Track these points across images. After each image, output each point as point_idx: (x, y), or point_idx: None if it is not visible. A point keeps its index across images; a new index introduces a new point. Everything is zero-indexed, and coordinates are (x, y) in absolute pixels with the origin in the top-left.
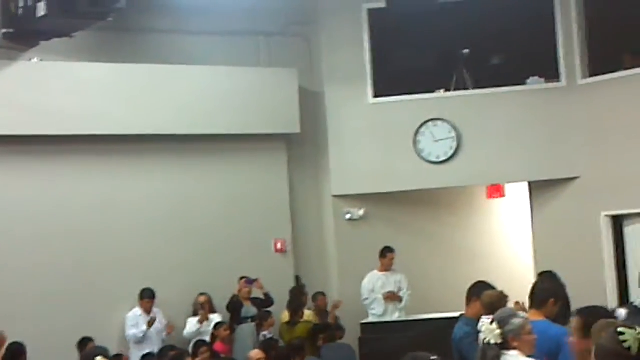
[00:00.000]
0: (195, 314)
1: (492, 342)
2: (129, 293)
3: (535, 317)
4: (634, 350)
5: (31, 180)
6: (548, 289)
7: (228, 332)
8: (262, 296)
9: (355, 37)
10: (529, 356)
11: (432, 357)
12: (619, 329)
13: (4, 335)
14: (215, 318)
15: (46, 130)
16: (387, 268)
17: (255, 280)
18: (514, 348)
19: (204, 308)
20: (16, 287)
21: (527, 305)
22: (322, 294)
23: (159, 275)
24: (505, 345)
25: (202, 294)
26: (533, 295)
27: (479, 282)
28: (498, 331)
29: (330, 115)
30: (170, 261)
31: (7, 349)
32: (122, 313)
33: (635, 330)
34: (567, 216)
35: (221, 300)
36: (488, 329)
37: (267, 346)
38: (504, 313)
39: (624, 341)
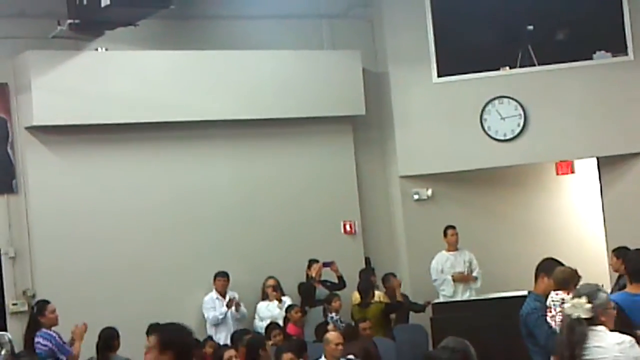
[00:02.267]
0: (264, 298)
1: (583, 316)
2: (202, 278)
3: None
4: None
5: (99, 169)
6: None
7: (300, 314)
8: (335, 279)
9: (417, 16)
10: (611, 330)
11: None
12: None
13: (83, 326)
14: (287, 300)
15: (114, 119)
16: (452, 246)
17: (332, 263)
18: (601, 323)
19: (275, 290)
20: (94, 275)
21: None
22: (393, 274)
23: (231, 259)
24: (593, 320)
25: (270, 277)
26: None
27: (548, 258)
28: (589, 305)
29: (395, 96)
30: (240, 246)
31: (100, 336)
32: (197, 298)
33: None
34: (638, 191)
35: (292, 283)
36: (577, 304)
37: (347, 332)
38: (591, 288)
39: None
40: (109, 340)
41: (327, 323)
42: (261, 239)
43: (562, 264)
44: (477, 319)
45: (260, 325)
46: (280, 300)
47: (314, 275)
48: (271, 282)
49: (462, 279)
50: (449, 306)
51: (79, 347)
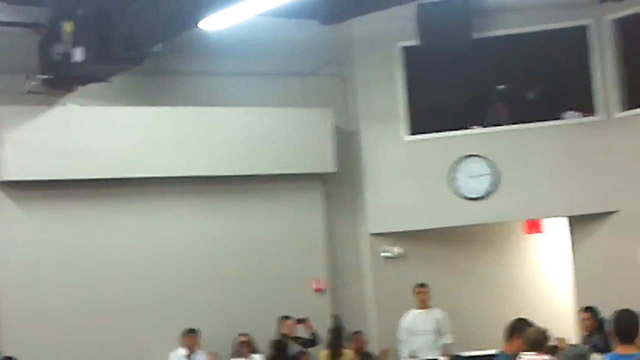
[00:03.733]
0: (234, 355)
1: None
2: (169, 336)
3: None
4: None
5: (69, 224)
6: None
7: None
8: (307, 335)
9: (389, 75)
10: None
11: None
12: None
13: None
14: (257, 358)
15: (84, 174)
16: (423, 304)
17: (305, 320)
18: None
19: (243, 347)
20: (60, 330)
21: (568, 340)
22: (360, 332)
23: (199, 317)
24: None
25: (241, 334)
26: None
27: (520, 319)
28: None
29: (365, 154)
30: (209, 303)
31: None
32: (164, 354)
33: None
34: (607, 250)
35: (261, 340)
36: None
37: None
38: (581, 350)
39: None
40: None
41: None
42: (231, 296)
43: (531, 324)
44: None
45: None
46: (248, 357)
47: (286, 331)
48: (243, 338)
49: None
50: None
51: None
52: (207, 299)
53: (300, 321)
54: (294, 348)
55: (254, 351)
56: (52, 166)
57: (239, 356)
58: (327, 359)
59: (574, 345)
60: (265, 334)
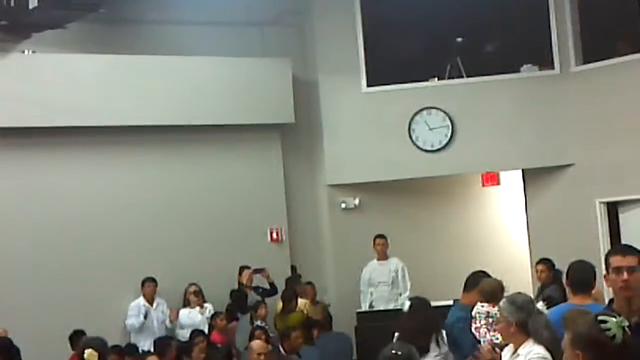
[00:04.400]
0: (185, 305)
1: None
2: (126, 284)
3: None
4: (619, 338)
5: (25, 172)
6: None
7: (224, 322)
8: (265, 286)
9: (348, 26)
10: None
11: (394, 351)
12: (600, 317)
13: (1, 331)
14: (209, 307)
15: (40, 122)
16: (380, 255)
17: (262, 270)
18: None
19: (197, 296)
20: (18, 280)
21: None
22: (311, 283)
23: (155, 265)
24: None
25: (192, 283)
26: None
27: (478, 271)
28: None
29: (324, 105)
30: (165, 252)
31: None
32: (121, 304)
33: (616, 318)
34: (562, 203)
35: (218, 290)
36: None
37: (256, 335)
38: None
39: (608, 329)
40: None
41: (257, 329)
42: (188, 246)
43: (490, 276)
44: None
45: (182, 333)
46: (202, 306)
47: (244, 281)
48: (193, 288)
49: None
50: (373, 315)
51: None
52: (165, 249)
53: (257, 271)
54: (254, 298)
55: (204, 301)
56: (6, 113)
57: (190, 306)
58: (281, 309)
59: (520, 294)
60: (222, 284)
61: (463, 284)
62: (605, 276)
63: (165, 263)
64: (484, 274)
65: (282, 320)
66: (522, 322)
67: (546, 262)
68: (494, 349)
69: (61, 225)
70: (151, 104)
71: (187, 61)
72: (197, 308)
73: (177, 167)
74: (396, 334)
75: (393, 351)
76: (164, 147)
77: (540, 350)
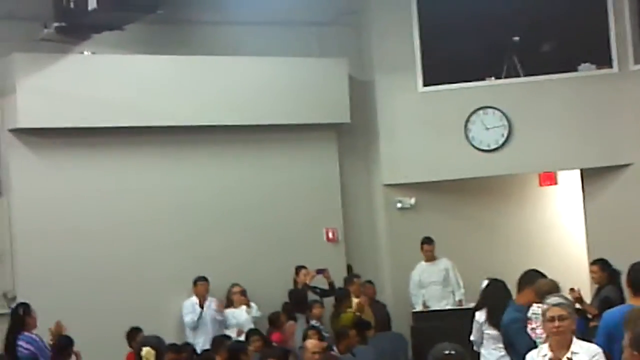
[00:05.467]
0: (229, 305)
1: None
2: (182, 284)
3: None
4: None
5: (84, 173)
6: None
7: (285, 320)
8: (325, 286)
9: (404, 25)
10: None
11: (447, 352)
12: None
13: (61, 325)
14: (254, 307)
15: (98, 122)
16: (428, 258)
17: (324, 270)
18: None
19: (243, 295)
20: (75, 279)
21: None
22: (370, 282)
23: (212, 267)
24: None
25: (235, 284)
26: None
27: (531, 270)
28: None
29: (380, 105)
30: (223, 252)
31: (56, 342)
32: (176, 303)
33: None
34: (620, 203)
35: (275, 290)
36: None
37: (309, 335)
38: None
39: None
40: (63, 348)
41: (311, 329)
42: (244, 246)
43: (544, 276)
44: (458, 328)
45: (227, 333)
46: (248, 305)
47: (307, 280)
48: (237, 289)
49: None
50: (429, 315)
51: None
52: (222, 249)
53: (319, 272)
54: (312, 298)
55: (248, 301)
56: (66, 114)
57: (233, 306)
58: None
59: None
60: (279, 284)
61: (517, 284)
62: None
63: (221, 264)
64: (537, 272)
65: (335, 320)
66: None
67: (599, 262)
68: None
69: (118, 224)
70: (208, 104)
71: (244, 61)
72: (244, 307)
73: (233, 168)
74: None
75: (446, 352)
76: (220, 147)
77: None
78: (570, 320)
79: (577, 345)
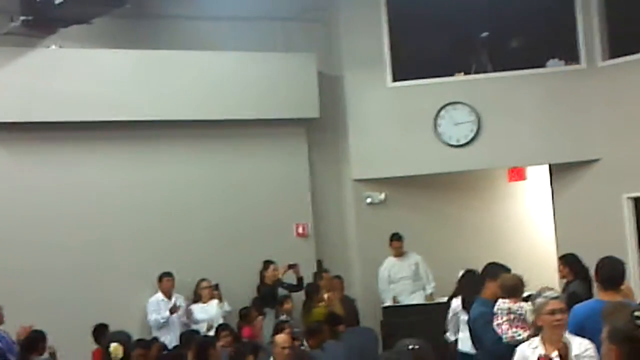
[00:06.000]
0: (196, 300)
1: None
2: (148, 279)
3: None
4: None
5: (50, 166)
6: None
7: (255, 315)
8: (293, 281)
9: (373, 20)
10: None
11: (411, 346)
12: (636, 313)
13: (29, 328)
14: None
15: (65, 117)
16: (397, 254)
17: (295, 265)
18: None
19: (216, 289)
20: (38, 276)
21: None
22: (339, 277)
23: (179, 261)
24: None
25: (203, 279)
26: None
27: (492, 263)
28: None
29: (349, 100)
30: (190, 247)
31: (26, 337)
32: (142, 299)
33: None
34: (588, 198)
35: (243, 285)
36: None
37: (279, 328)
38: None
39: None
40: (34, 342)
41: (283, 323)
42: (213, 241)
43: (506, 269)
44: (427, 322)
45: (196, 328)
46: (221, 300)
47: (279, 275)
48: (206, 284)
49: None
50: (399, 310)
51: None
52: (188, 244)
53: (291, 266)
54: (283, 292)
55: (221, 296)
56: (32, 108)
57: (201, 301)
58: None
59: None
60: (248, 279)
61: (479, 278)
62: None
63: (188, 259)
64: (498, 265)
65: (306, 315)
66: None
67: (567, 257)
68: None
69: (84, 218)
70: (175, 99)
71: (212, 56)
72: (215, 301)
73: (201, 162)
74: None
75: (410, 346)
76: (188, 142)
77: None
78: (566, 314)
79: (569, 339)
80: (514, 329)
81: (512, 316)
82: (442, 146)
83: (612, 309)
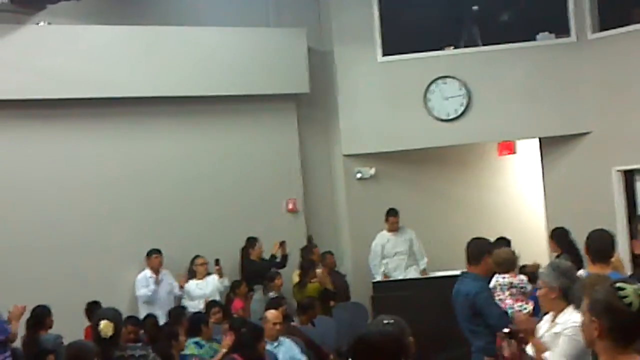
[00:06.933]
0: (191, 277)
1: None
2: (138, 255)
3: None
4: (635, 306)
5: (38, 143)
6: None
7: (246, 289)
8: (278, 258)
9: None
10: None
11: (386, 321)
12: (619, 284)
13: (21, 307)
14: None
15: (54, 93)
16: (393, 229)
17: (283, 242)
18: None
19: (217, 264)
20: (27, 254)
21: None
22: (330, 252)
23: (169, 237)
24: None
25: (198, 256)
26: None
27: (476, 238)
28: None
29: (339, 75)
30: (180, 223)
31: (32, 313)
32: (131, 276)
33: (634, 285)
34: (578, 172)
35: (234, 261)
36: None
37: (274, 305)
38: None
39: (625, 297)
40: (40, 317)
41: (278, 299)
42: (202, 217)
43: (491, 243)
44: (418, 297)
45: (192, 305)
46: (221, 275)
47: (279, 252)
48: (201, 260)
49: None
50: (389, 285)
51: (16, 327)
52: (178, 220)
53: (282, 244)
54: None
55: (209, 272)
56: (21, 85)
57: (196, 277)
58: (299, 278)
59: (562, 260)
60: (238, 255)
61: (466, 254)
62: (634, 242)
63: (178, 235)
64: (484, 240)
65: (299, 292)
66: (565, 289)
67: (557, 231)
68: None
69: (72, 195)
70: (165, 75)
71: (202, 32)
72: (214, 277)
73: (191, 138)
74: None
75: (385, 321)
76: (177, 118)
77: (578, 318)
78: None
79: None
80: (520, 303)
81: (514, 290)
82: (432, 120)
83: (592, 280)
